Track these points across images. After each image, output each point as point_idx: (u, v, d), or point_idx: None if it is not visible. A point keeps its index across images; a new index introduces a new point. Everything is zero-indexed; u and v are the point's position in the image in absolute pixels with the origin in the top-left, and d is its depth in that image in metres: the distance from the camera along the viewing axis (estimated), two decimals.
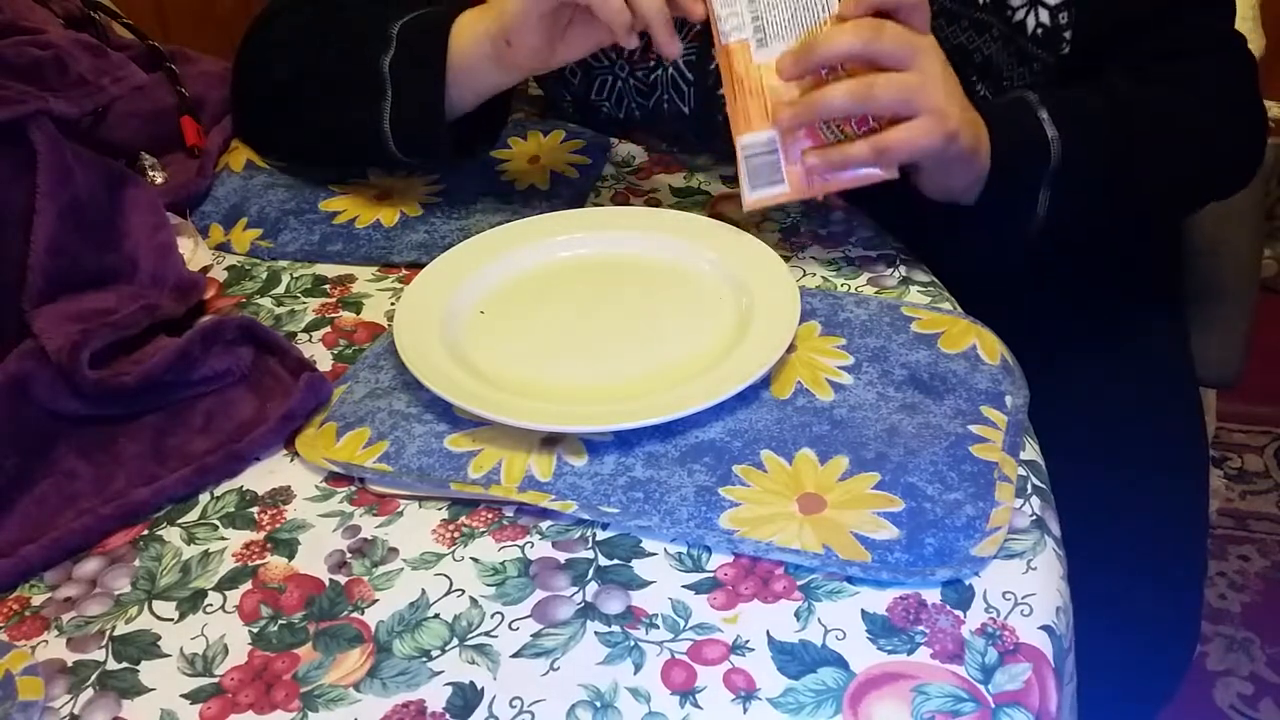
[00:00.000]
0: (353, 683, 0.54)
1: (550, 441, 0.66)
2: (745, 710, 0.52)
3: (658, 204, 0.90)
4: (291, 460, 0.67)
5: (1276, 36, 1.18)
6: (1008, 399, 0.68)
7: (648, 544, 0.60)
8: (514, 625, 0.57)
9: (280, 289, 0.82)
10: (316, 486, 0.65)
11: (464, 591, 0.59)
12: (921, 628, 0.55)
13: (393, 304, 0.79)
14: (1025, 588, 0.57)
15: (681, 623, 0.56)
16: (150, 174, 0.91)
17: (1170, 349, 1.03)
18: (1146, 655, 0.86)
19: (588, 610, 0.57)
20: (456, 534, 0.62)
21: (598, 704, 0.53)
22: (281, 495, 0.65)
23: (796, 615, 0.56)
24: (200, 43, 1.11)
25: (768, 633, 0.55)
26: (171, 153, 0.94)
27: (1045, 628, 0.56)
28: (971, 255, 0.84)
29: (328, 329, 0.78)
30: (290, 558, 0.61)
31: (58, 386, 0.67)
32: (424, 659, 0.55)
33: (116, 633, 0.58)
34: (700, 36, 0.89)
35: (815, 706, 0.52)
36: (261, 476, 0.66)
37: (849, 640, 0.55)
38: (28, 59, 0.77)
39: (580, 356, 0.73)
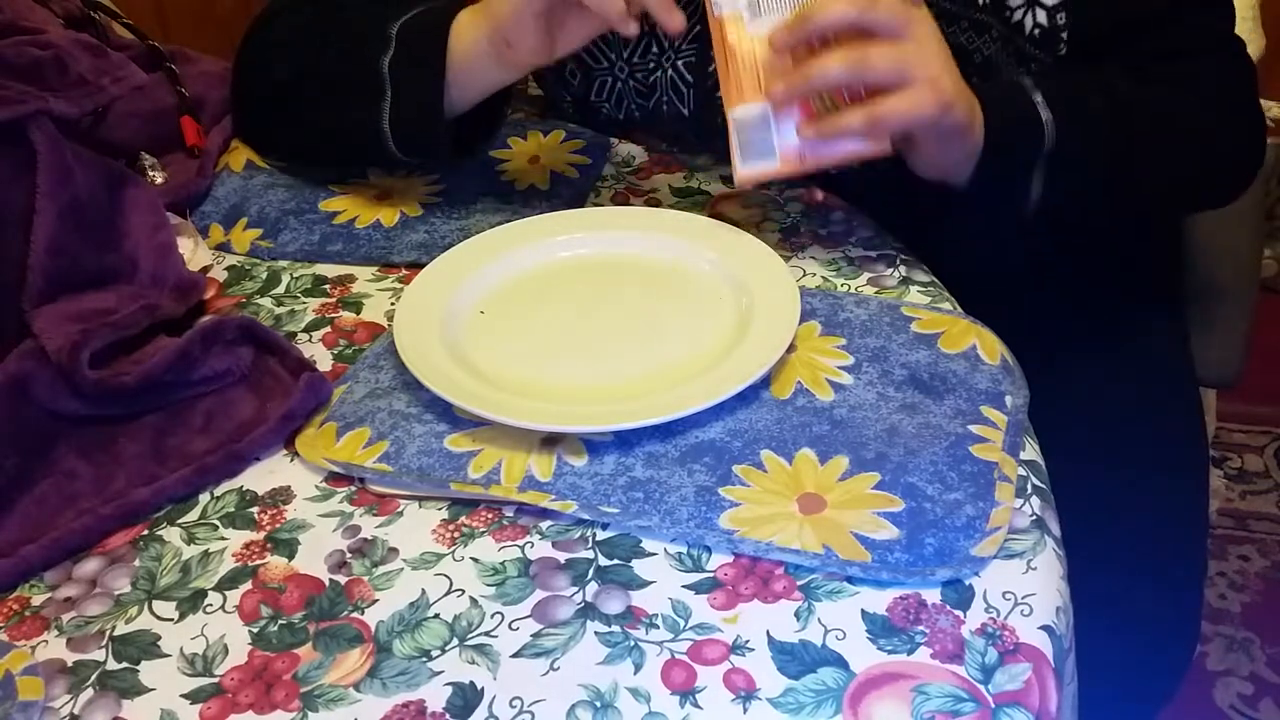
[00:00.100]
0: (353, 683, 0.54)
1: (550, 441, 0.66)
2: (745, 710, 0.52)
3: (658, 204, 0.90)
4: (291, 460, 0.67)
5: (1276, 36, 1.18)
6: (1008, 399, 0.68)
7: (648, 544, 0.60)
8: (514, 625, 0.57)
9: (280, 289, 0.82)
10: (316, 486, 0.65)
11: (464, 591, 0.59)
12: (921, 628, 0.55)
13: (393, 304, 0.79)
14: (1025, 588, 0.57)
15: (681, 623, 0.56)
16: (150, 174, 0.91)
17: (1170, 349, 1.03)
18: (1146, 655, 0.86)
19: (588, 610, 0.57)
20: (456, 534, 0.62)
21: (598, 704, 0.53)
22: (281, 495, 0.65)
23: (796, 615, 0.56)
24: (200, 43, 1.11)
25: (768, 633, 0.55)
26: (171, 153, 0.94)
27: (1045, 628, 0.56)
28: (971, 255, 0.84)
29: (328, 329, 0.78)
30: (290, 558, 0.61)
31: (58, 386, 0.67)
32: (424, 659, 0.55)
33: (116, 633, 0.58)
34: (699, 38, 0.89)
35: (815, 706, 0.52)
36: (261, 476, 0.66)
37: (849, 640, 0.55)
38: (28, 59, 0.77)
39: (580, 356, 0.73)
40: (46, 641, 0.58)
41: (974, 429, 0.66)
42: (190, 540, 0.62)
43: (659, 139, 0.97)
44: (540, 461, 0.65)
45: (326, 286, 0.82)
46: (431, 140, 0.82)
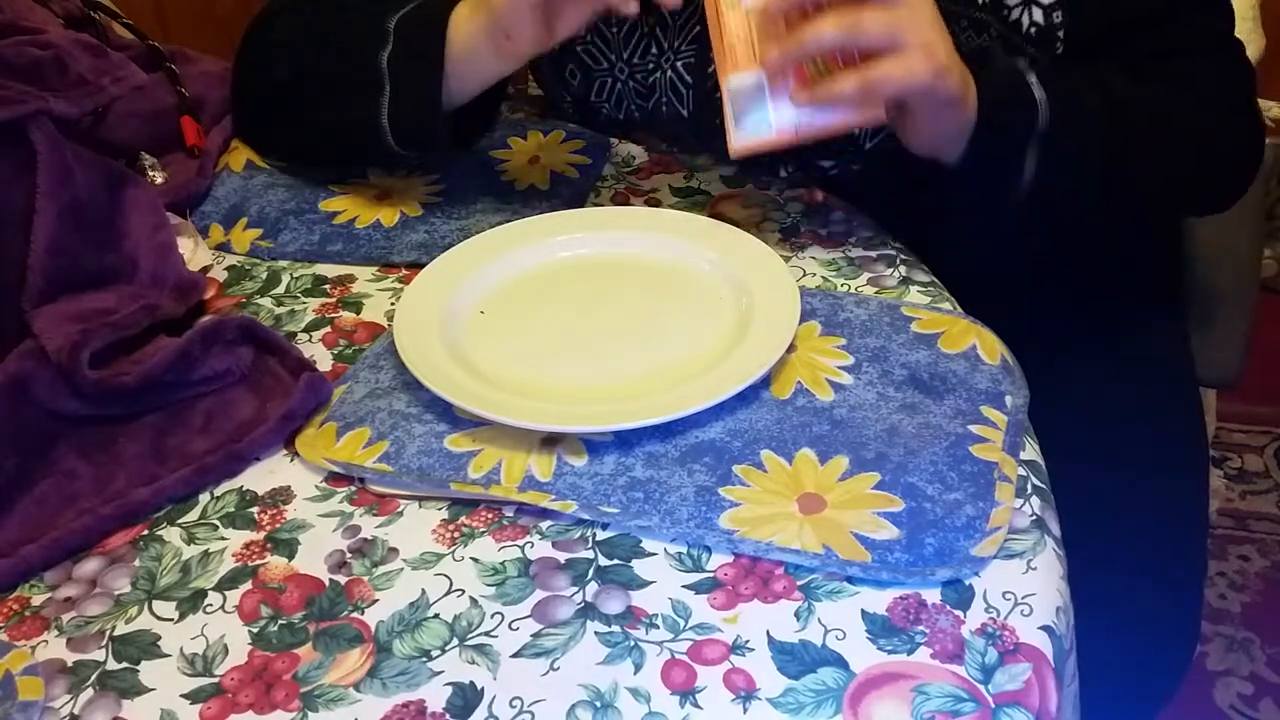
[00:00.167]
0: (353, 683, 0.54)
1: (550, 441, 0.66)
2: (745, 710, 0.52)
3: (658, 204, 0.90)
4: (291, 460, 0.67)
5: (1276, 36, 1.18)
6: (1008, 399, 0.68)
7: (648, 544, 0.60)
8: (514, 625, 0.57)
9: (280, 289, 0.82)
10: (316, 486, 0.65)
11: (464, 591, 0.59)
12: (921, 628, 0.55)
13: (393, 304, 0.79)
14: (1025, 588, 0.57)
15: (681, 623, 0.56)
16: (150, 174, 0.91)
17: (1170, 349, 1.03)
18: (1146, 655, 0.86)
19: (588, 610, 0.57)
20: (456, 534, 0.62)
21: (598, 704, 0.53)
22: (281, 495, 0.65)
23: (796, 615, 0.56)
24: (200, 43, 1.11)
25: (768, 633, 0.55)
26: (171, 153, 0.94)
27: (1045, 628, 0.56)
28: (971, 255, 0.84)
29: (328, 329, 0.78)
30: (290, 558, 0.61)
31: (58, 386, 0.67)
32: (424, 659, 0.55)
33: (116, 633, 0.58)
34: (698, 39, 0.89)
35: (815, 706, 0.52)
36: (261, 476, 0.66)
37: (849, 640, 0.55)
38: (28, 59, 0.77)
39: (580, 356, 0.73)
40: (46, 641, 0.58)
41: (974, 429, 0.66)
42: (190, 540, 0.62)
43: (659, 139, 0.97)
44: (540, 461, 0.65)
45: (326, 286, 0.82)
46: (430, 134, 0.82)
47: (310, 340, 0.77)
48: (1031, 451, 0.66)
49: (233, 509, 0.64)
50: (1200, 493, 0.96)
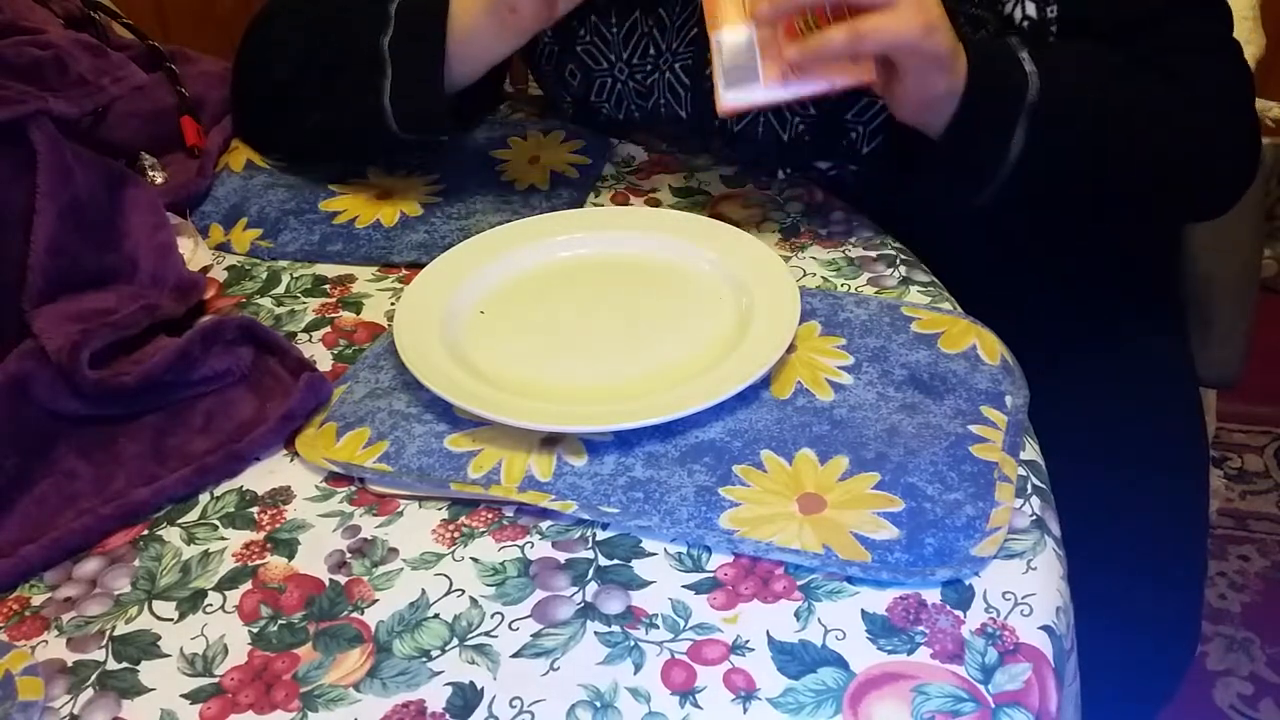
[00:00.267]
0: (353, 683, 0.54)
1: (550, 441, 0.66)
2: (745, 710, 0.52)
3: (658, 204, 0.90)
4: (291, 460, 0.67)
5: (1276, 36, 1.18)
6: (1008, 399, 0.68)
7: (648, 544, 0.60)
8: (514, 625, 0.57)
9: (280, 289, 0.82)
10: (316, 486, 0.65)
11: (464, 591, 0.59)
12: (921, 628, 0.55)
13: (393, 304, 0.79)
14: (1025, 588, 0.57)
15: (681, 623, 0.56)
16: (150, 174, 0.91)
17: (1170, 349, 1.03)
18: (1146, 655, 0.86)
19: (588, 610, 0.57)
20: (456, 534, 0.62)
21: (598, 704, 0.53)
22: (281, 495, 0.65)
23: (796, 615, 0.56)
24: (200, 43, 1.11)
25: (768, 633, 0.55)
26: (171, 153, 0.94)
27: (1045, 628, 0.56)
28: (971, 254, 0.84)
29: (328, 329, 0.78)
30: (290, 558, 0.61)
31: (58, 386, 0.67)
32: (424, 659, 0.55)
33: (116, 633, 0.58)
34: (696, 42, 0.89)
35: (815, 706, 0.52)
36: (261, 476, 0.66)
37: (849, 640, 0.55)
38: (28, 59, 0.77)
39: (580, 356, 0.73)
40: (46, 641, 0.58)
41: (974, 429, 0.66)
42: (190, 540, 0.62)
43: (659, 139, 0.97)
44: (540, 461, 0.65)
45: (326, 286, 0.82)
46: (432, 116, 0.83)
47: (310, 340, 0.77)
48: (1031, 451, 0.66)
49: (233, 509, 0.64)
50: (1200, 493, 0.96)
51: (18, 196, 0.72)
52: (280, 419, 0.67)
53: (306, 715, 0.53)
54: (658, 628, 0.56)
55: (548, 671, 0.54)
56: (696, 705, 0.52)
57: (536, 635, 0.56)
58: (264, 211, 0.89)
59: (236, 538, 0.62)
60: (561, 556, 0.60)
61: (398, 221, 0.87)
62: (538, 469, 0.64)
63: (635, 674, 0.54)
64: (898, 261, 0.81)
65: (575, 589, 0.58)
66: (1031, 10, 0.83)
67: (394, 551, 0.61)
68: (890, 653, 0.54)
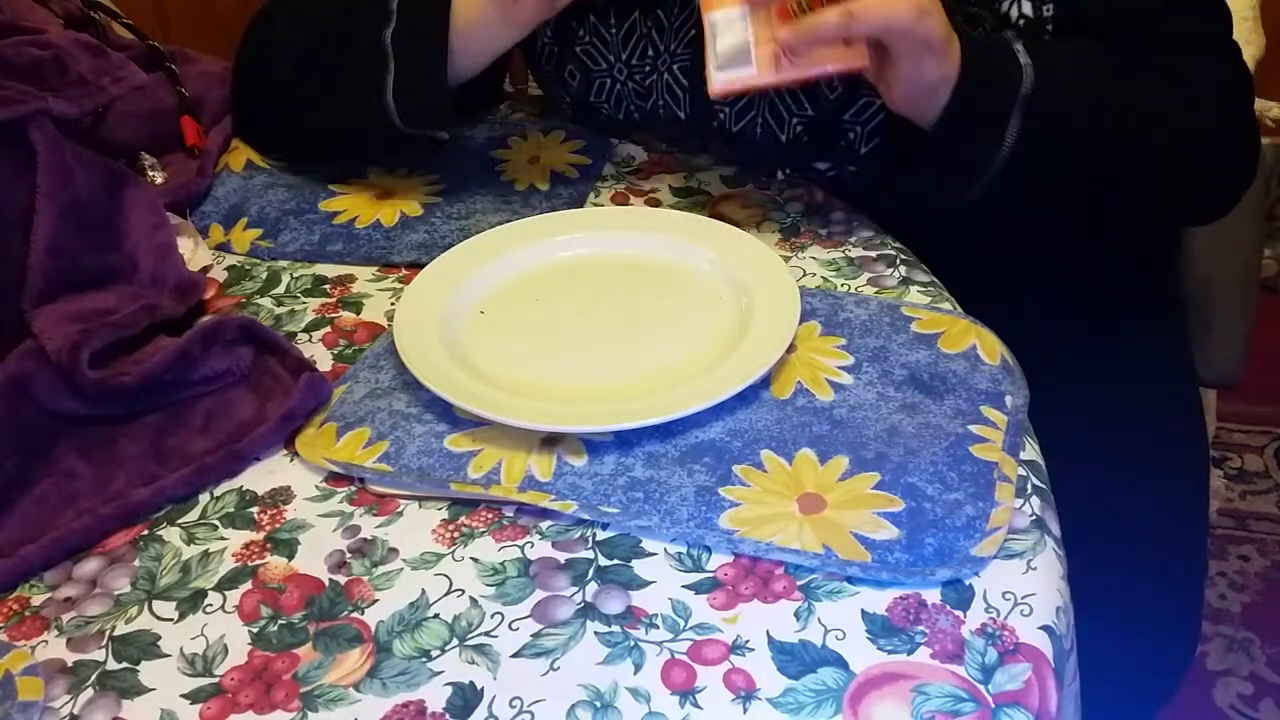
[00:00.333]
0: (353, 683, 0.54)
1: (550, 441, 0.66)
2: (745, 710, 0.52)
3: (658, 204, 0.90)
4: (291, 460, 0.67)
5: (1276, 36, 1.18)
6: (1008, 399, 0.68)
7: (648, 544, 0.60)
8: (514, 625, 0.57)
9: (280, 289, 0.82)
10: (316, 486, 0.65)
11: (464, 591, 0.59)
12: (921, 628, 0.55)
13: (393, 304, 0.79)
14: (1025, 588, 0.57)
15: (681, 623, 0.56)
16: (150, 174, 0.91)
17: (1170, 349, 1.03)
18: (1146, 655, 0.86)
19: (588, 610, 0.57)
20: (456, 534, 0.62)
21: (598, 704, 0.53)
22: (281, 495, 0.65)
23: (796, 615, 0.56)
24: (200, 43, 1.11)
25: (768, 633, 0.55)
26: (171, 153, 0.94)
27: (1045, 628, 0.56)
28: (971, 255, 0.84)
29: (328, 329, 0.78)
30: (290, 558, 0.61)
31: (58, 386, 0.67)
32: (424, 659, 0.55)
33: (116, 633, 0.58)
34: (694, 43, 0.89)
35: (815, 706, 0.52)
36: (261, 476, 0.66)
37: (849, 640, 0.55)
38: (28, 59, 0.77)
39: (580, 356, 0.73)
40: (46, 641, 0.58)
41: (974, 429, 0.66)
42: (190, 540, 0.62)
43: (658, 139, 0.97)
44: (540, 461, 0.65)
45: (326, 286, 0.82)
46: (436, 110, 0.83)
47: (310, 340, 0.77)
48: (1031, 451, 0.66)
49: (233, 509, 0.64)
50: (1200, 493, 0.96)
51: (18, 196, 0.72)
52: (280, 419, 0.67)
53: (306, 715, 0.53)
54: (658, 628, 0.56)
55: (548, 671, 0.54)
56: (696, 705, 0.52)
57: (536, 635, 0.56)
58: (264, 211, 0.89)
59: (236, 538, 0.62)
60: (561, 556, 0.60)
61: (398, 221, 0.87)
62: (538, 469, 0.64)
63: (635, 674, 0.54)
64: (898, 261, 0.81)
65: (575, 589, 0.58)
66: (1028, 9, 0.83)
67: (394, 551, 0.61)
68: (890, 653, 0.54)
